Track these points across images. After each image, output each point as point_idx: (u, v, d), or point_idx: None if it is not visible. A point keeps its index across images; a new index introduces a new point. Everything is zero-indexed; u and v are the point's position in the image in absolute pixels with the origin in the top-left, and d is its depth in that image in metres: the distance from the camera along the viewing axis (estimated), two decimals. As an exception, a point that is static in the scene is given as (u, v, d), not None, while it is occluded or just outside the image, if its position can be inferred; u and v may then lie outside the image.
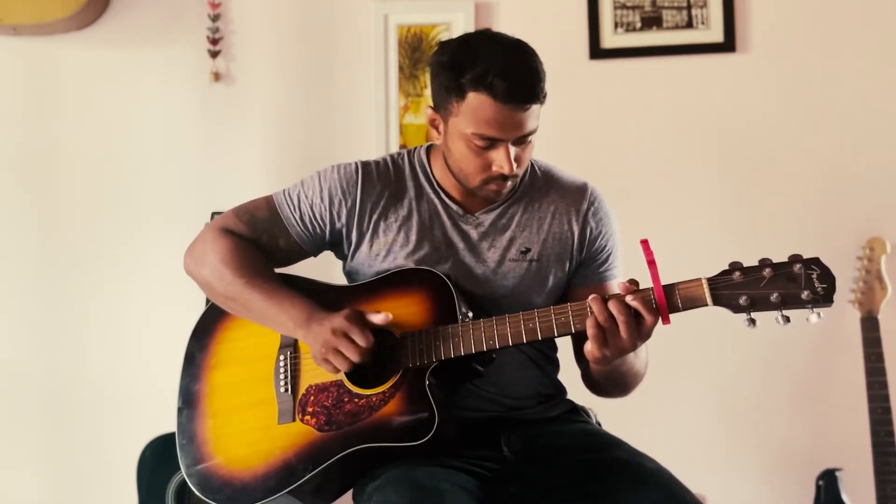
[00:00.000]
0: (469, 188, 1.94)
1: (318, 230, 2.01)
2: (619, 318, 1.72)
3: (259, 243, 2.01)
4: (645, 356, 1.96)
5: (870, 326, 2.96)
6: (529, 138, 1.89)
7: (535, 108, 1.85)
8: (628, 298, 1.73)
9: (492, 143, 1.86)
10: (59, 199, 3.25)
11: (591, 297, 1.76)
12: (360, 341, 1.80)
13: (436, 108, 1.94)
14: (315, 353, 1.86)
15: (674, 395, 3.10)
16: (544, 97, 1.87)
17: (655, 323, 1.74)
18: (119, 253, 3.23)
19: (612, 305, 1.73)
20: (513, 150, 1.87)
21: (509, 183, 1.92)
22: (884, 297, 2.99)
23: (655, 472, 1.83)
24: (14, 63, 3.27)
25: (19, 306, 3.25)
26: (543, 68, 1.87)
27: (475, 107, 1.83)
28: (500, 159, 1.86)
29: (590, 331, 1.74)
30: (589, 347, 1.77)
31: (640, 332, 1.74)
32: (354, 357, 1.81)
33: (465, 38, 1.92)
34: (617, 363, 1.85)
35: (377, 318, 1.83)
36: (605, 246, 2.03)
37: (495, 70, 1.81)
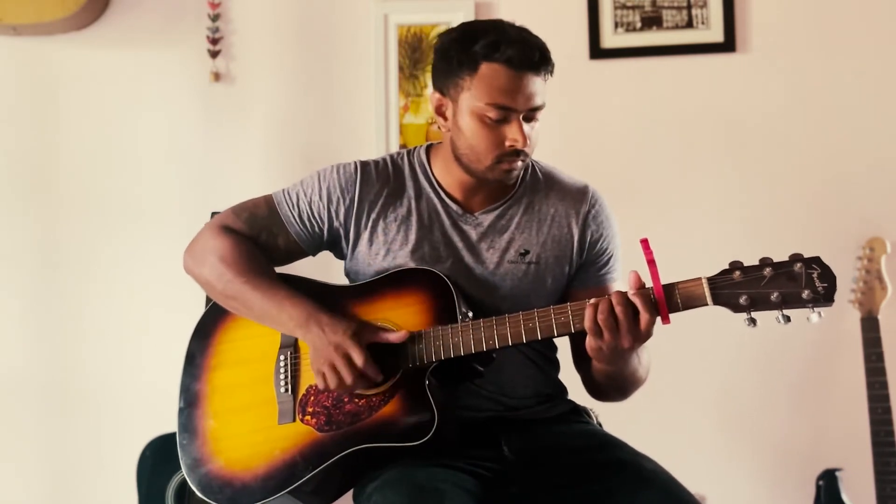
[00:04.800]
0: (479, 171, 1.93)
1: (317, 228, 2.01)
2: (616, 305, 1.72)
3: (258, 242, 2.01)
4: (647, 362, 1.96)
5: (870, 326, 2.95)
6: (537, 115, 1.91)
7: (544, 79, 1.89)
8: (630, 294, 1.73)
9: (504, 115, 1.87)
10: (59, 200, 3.25)
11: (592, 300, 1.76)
12: (359, 362, 1.81)
13: (443, 92, 1.95)
14: (312, 360, 1.86)
15: (674, 395, 3.09)
16: (552, 69, 1.91)
17: (654, 322, 1.73)
18: (118, 253, 3.23)
19: (614, 299, 1.73)
20: (524, 126, 1.88)
21: (519, 162, 1.92)
22: (884, 297, 2.99)
23: (655, 472, 1.84)
24: (14, 63, 3.27)
25: (18, 307, 3.25)
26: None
27: (489, 76, 1.86)
28: (514, 132, 1.87)
29: (587, 323, 1.74)
30: (588, 342, 1.77)
31: (639, 331, 1.74)
32: (349, 381, 1.81)
33: (471, 21, 1.98)
34: (621, 366, 1.86)
35: (393, 337, 1.85)
36: (605, 249, 2.03)
37: (506, 39, 1.85)
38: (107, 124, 3.26)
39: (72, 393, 3.22)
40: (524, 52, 1.85)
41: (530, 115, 1.89)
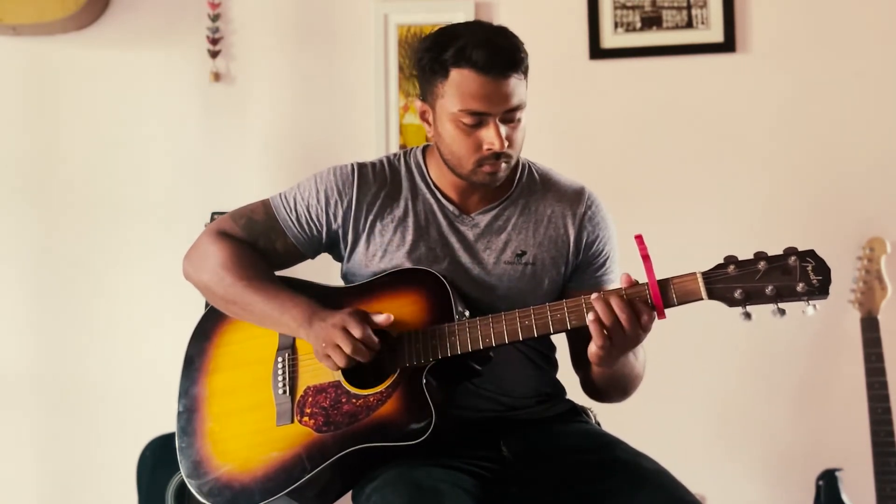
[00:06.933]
0: (464, 175, 1.94)
1: (315, 231, 2.01)
2: (620, 313, 1.72)
3: (256, 246, 2.02)
4: (643, 358, 1.96)
5: (870, 326, 2.95)
6: (518, 115, 1.90)
7: (517, 79, 1.87)
8: (625, 291, 1.73)
9: (480, 119, 1.87)
10: (59, 199, 3.26)
11: (593, 295, 1.75)
12: (357, 333, 1.80)
13: (424, 99, 1.95)
14: (316, 352, 1.86)
15: (673, 395, 3.10)
16: (526, 69, 1.89)
17: (652, 317, 1.73)
18: (118, 253, 3.23)
19: (613, 301, 1.73)
20: (502, 128, 1.88)
21: (503, 164, 1.92)
22: (884, 297, 2.99)
23: (655, 472, 1.83)
24: (14, 63, 3.27)
25: (18, 307, 3.25)
26: (523, 46, 1.90)
27: (459, 82, 1.86)
28: (490, 136, 1.87)
29: (592, 326, 1.73)
30: (593, 349, 1.76)
31: (640, 327, 1.73)
32: (349, 350, 1.80)
33: (446, 26, 1.96)
34: (621, 366, 1.86)
35: (379, 319, 1.84)
36: (602, 250, 2.03)
37: (474, 43, 1.84)
38: (107, 124, 3.26)
39: (72, 393, 3.23)
40: (491, 56, 1.84)
41: (508, 115, 1.88)
